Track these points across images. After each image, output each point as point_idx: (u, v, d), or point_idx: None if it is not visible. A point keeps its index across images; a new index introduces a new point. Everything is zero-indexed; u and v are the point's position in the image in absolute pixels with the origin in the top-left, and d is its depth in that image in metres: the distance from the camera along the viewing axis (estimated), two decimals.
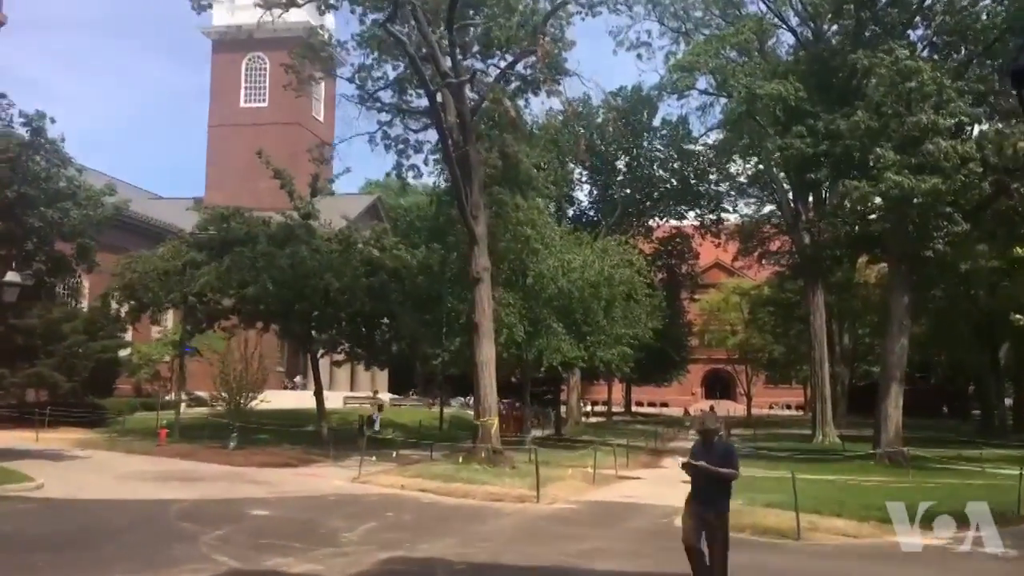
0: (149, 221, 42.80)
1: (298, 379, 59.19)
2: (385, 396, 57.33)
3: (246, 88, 64.14)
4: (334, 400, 51.53)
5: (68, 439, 26.68)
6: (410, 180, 26.41)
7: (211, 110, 64.76)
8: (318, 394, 32.48)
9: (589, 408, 77.18)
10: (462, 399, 62.69)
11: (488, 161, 25.37)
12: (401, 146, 26.28)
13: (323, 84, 67.77)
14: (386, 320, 32.09)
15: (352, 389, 59.27)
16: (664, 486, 22.10)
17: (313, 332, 31.28)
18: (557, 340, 32.10)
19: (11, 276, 17.79)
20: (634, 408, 79.99)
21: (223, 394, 27.70)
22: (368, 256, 30.61)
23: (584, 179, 58.82)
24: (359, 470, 19.07)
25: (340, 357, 34.06)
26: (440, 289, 31.06)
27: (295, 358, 57.32)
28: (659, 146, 56.57)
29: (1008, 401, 55.49)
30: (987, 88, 28.77)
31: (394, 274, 30.68)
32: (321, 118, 67.22)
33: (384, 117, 28.60)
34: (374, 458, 22.26)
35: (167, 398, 50.54)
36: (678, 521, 14.67)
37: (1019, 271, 40.47)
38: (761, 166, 50.86)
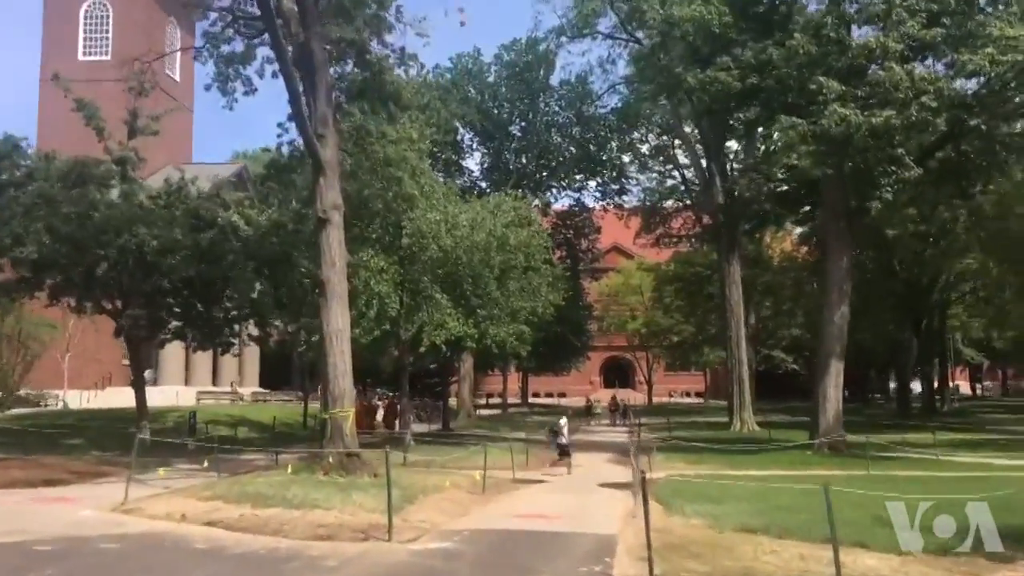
0: None
1: (148, 373, 51.27)
2: (247, 390, 50.22)
3: (85, 39, 55.56)
4: (186, 396, 44.33)
5: None
6: (238, 97, 20.03)
7: (43, 64, 55.79)
8: (137, 388, 25.69)
9: (484, 401, 71.73)
10: None
11: (344, 74, 19.25)
12: (227, 50, 19.77)
13: (179, 38, 60.04)
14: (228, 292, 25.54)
15: (215, 383, 51.85)
16: (577, 492, 16.65)
17: (115, 303, 24.38)
18: (441, 314, 26.24)
19: None
20: (531, 399, 74.76)
21: None
22: (196, 208, 23.97)
23: (475, 145, 53.11)
24: (125, 494, 12.73)
25: (167, 339, 27.14)
26: (290, 251, 24.69)
27: (145, 349, 49.58)
28: (557, 107, 51.28)
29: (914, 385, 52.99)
30: (941, 7, 24.43)
31: (231, 230, 24.14)
32: (177, 77, 59.15)
33: (215, 29, 22.03)
34: (160, 471, 15.96)
35: None
36: (622, 569, 9.13)
37: (948, 234, 37.09)
38: (670, 122, 46.50)
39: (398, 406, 31.83)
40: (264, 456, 22.26)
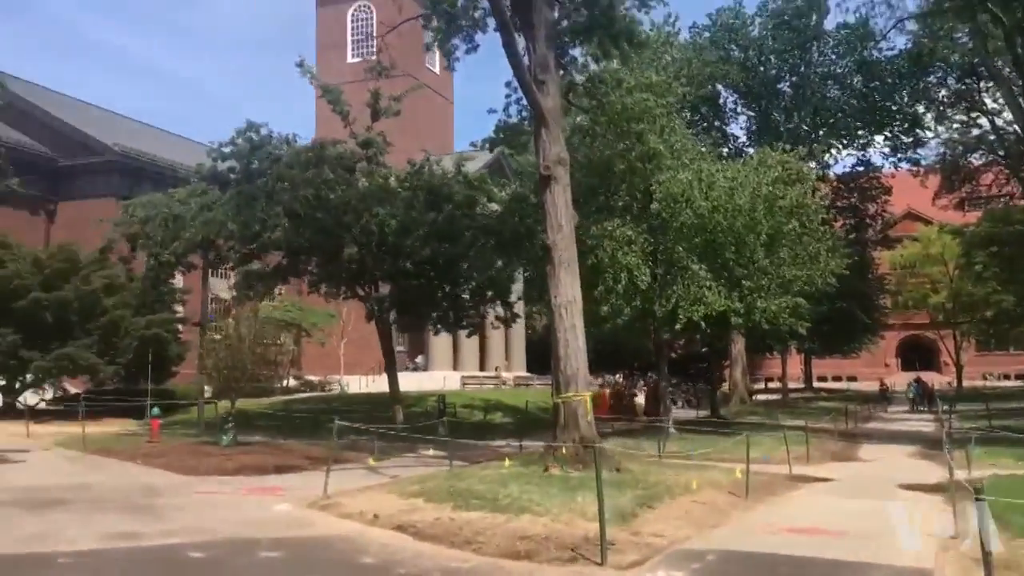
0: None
1: (420, 359, 52.88)
2: (511, 375, 49.89)
3: (353, 41, 58.36)
4: (452, 381, 44.77)
5: (63, 434, 20.69)
6: (460, 56, 18.44)
7: (319, 70, 59.39)
8: (389, 373, 25.33)
9: (763, 385, 66.87)
10: (611, 376, 54.15)
11: (569, 12, 16.94)
12: (450, 10, 18.19)
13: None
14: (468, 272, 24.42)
15: (483, 368, 52.27)
16: (871, 496, 13.20)
17: (367, 288, 24.00)
18: (699, 287, 23.18)
19: None
20: (816, 384, 68.37)
21: (212, 374, 19.91)
22: (436, 186, 22.98)
23: (739, 108, 48.79)
24: (324, 488, 11.38)
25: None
26: (534, 225, 22.92)
27: (417, 336, 51.08)
28: (833, 56, 45.62)
29: None
30: None
31: (468, 204, 22.92)
32: (436, 70, 60.51)
33: None
34: (371, 460, 14.67)
35: (284, 383, 45.75)
36: None
37: None
38: (974, 61, 39.49)
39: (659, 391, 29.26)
40: (508, 443, 20.85)
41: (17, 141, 39.94)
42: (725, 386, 46.02)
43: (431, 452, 15.75)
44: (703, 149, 25.79)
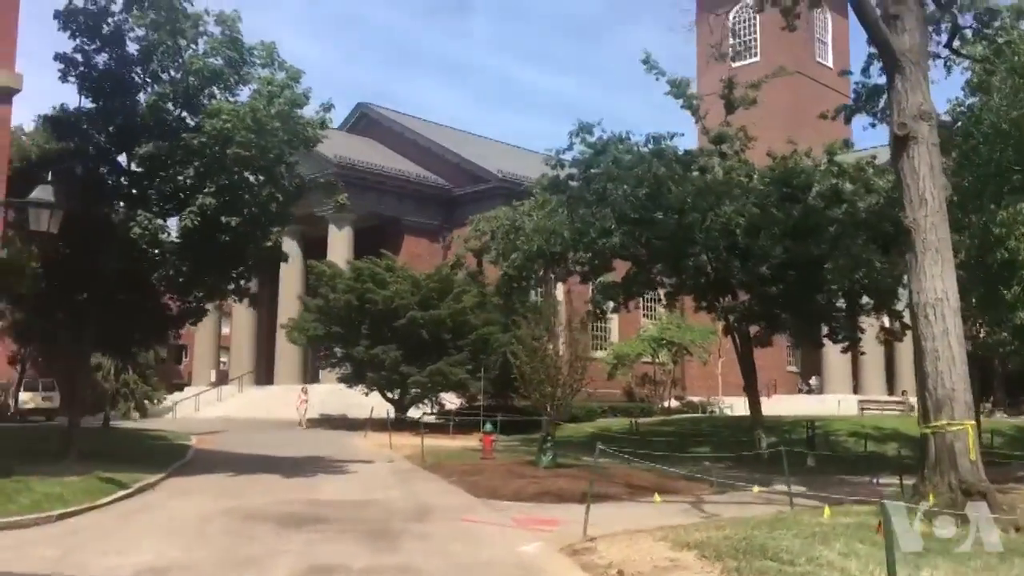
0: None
1: (813, 381, 47.98)
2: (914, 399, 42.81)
3: (735, 45, 55.47)
4: (848, 405, 39.55)
5: (417, 447, 21.03)
6: (800, 12, 15.02)
7: (699, 80, 57.34)
8: (750, 393, 22.41)
9: None
10: None
11: None
12: None
13: (830, 22, 56.03)
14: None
15: (890, 391, 45.78)
16: None
17: (721, 298, 21.36)
18: None
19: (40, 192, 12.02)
20: None
21: (530, 391, 18.28)
22: (785, 175, 19.81)
23: None
24: (584, 530, 9.18)
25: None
26: None
27: (812, 355, 46.32)
28: None
29: None
30: None
31: (832, 195, 19.33)
32: (829, 62, 55.19)
33: None
34: (656, 498, 11.87)
35: (665, 404, 44.38)
36: None
37: None
38: None
39: None
40: (878, 480, 16.84)
41: (421, 176, 43.93)
42: None
43: (756, 490, 12.80)
44: None
